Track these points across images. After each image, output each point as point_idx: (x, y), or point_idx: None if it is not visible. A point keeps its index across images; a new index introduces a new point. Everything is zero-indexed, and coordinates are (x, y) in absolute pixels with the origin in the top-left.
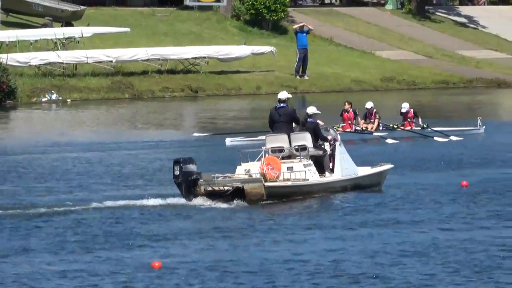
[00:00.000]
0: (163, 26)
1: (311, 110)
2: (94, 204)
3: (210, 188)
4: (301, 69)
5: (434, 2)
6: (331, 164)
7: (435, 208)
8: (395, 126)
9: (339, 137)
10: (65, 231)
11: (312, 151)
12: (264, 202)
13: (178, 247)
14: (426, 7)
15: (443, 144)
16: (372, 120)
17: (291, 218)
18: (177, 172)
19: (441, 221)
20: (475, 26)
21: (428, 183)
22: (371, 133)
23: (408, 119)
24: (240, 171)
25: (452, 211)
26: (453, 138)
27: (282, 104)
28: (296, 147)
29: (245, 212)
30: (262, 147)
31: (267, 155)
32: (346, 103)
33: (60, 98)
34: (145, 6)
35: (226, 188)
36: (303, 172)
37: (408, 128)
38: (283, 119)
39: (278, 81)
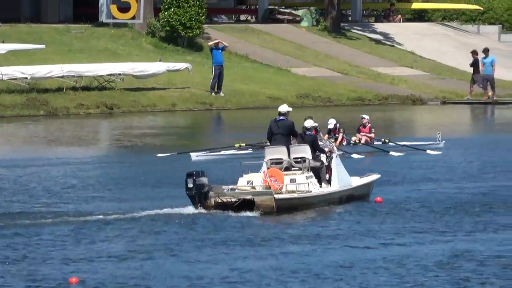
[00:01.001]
0: (78, 43)
1: (309, 123)
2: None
3: (219, 200)
4: (216, 86)
5: (350, 19)
6: (327, 176)
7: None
8: (357, 141)
9: (335, 149)
10: None
11: (311, 163)
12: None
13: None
14: (342, 24)
15: (399, 158)
16: (336, 135)
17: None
18: (190, 185)
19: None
20: (390, 43)
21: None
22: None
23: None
24: (242, 183)
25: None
26: (393, 153)
27: (281, 117)
28: (297, 159)
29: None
30: (264, 160)
31: (267, 167)
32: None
33: None
34: (60, 23)
35: (233, 200)
36: (306, 184)
37: (344, 143)
38: (282, 132)
39: (194, 98)
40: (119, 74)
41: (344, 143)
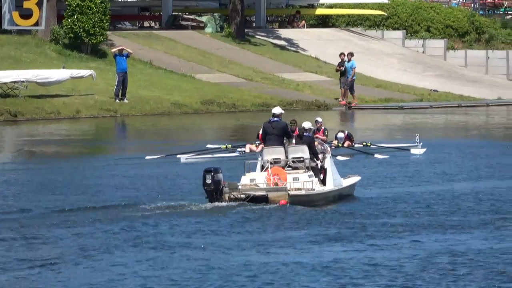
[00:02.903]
0: None
1: (307, 125)
2: None
3: (233, 196)
4: (120, 93)
5: (254, 25)
6: (321, 176)
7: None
8: (340, 145)
9: (329, 149)
10: None
11: (308, 162)
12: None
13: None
14: (246, 30)
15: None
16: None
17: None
18: (209, 181)
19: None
20: (295, 49)
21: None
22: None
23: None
24: (245, 181)
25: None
26: (378, 156)
27: (275, 118)
28: (295, 159)
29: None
30: (259, 159)
31: (266, 166)
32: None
33: None
34: None
35: (244, 195)
36: (309, 183)
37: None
38: (276, 132)
39: (98, 104)
40: (23, 81)
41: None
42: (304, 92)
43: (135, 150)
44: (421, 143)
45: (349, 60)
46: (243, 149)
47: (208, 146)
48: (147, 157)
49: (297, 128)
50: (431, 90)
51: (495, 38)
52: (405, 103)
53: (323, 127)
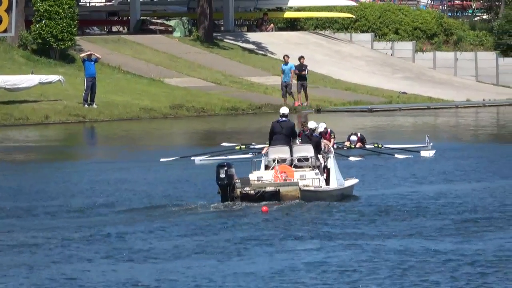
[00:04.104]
0: None
1: (313, 125)
2: None
3: (244, 191)
4: (89, 98)
5: (222, 29)
6: (325, 175)
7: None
8: (353, 146)
9: (332, 150)
10: None
11: (313, 161)
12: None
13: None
14: (214, 34)
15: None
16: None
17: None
18: (223, 175)
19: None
20: (263, 53)
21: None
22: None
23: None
24: (253, 178)
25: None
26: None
27: (284, 118)
28: (300, 158)
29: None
30: (264, 158)
31: (271, 165)
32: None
33: None
34: None
35: (255, 191)
36: (316, 180)
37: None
38: (285, 132)
39: (67, 110)
40: None
41: (335, 147)
42: (273, 95)
43: (103, 155)
44: (431, 144)
45: (286, 63)
46: (261, 145)
47: (223, 144)
48: (162, 159)
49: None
50: (399, 92)
51: (463, 40)
52: (374, 106)
53: (329, 130)
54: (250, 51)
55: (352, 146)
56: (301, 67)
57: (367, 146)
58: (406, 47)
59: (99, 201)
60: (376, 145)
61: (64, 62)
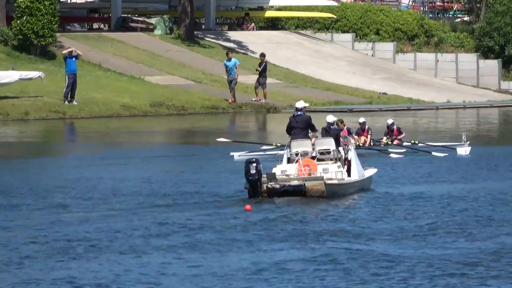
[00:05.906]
0: None
1: (331, 118)
2: None
3: (270, 186)
4: (70, 95)
5: (203, 27)
6: (346, 167)
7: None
8: (390, 142)
9: (352, 141)
10: None
11: (335, 154)
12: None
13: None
14: (195, 32)
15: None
16: (364, 137)
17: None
18: (253, 171)
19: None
20: (244, 52)
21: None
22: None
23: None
24: (277, 172)
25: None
26: (435, 154)
27: (299, 112)
28: (322, 150)
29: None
30: (286, 151)
31: (295, 159)
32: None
33: None
34: None
35: (280, 185)
36: (339, 173)
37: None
38: (300, 126)
39: (47, 106)
40: None
41: (371, 144)
42: (253, 94)
43: (83, 151)
44: (468, 142)
45: (229, 59)
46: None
47: (264, 148)
48: (233, 153)
49: (345, 128)
50: (380, 93)
51: (444, 41)
52: (354, 106)
53: (366, 127)
54: (231, 50)
55: (389, 142)
56: (260, 64)
57: (404, 144)
58: (387, 48)
59: (71, 198)
60: (413, 142)
61: (45, 58)
